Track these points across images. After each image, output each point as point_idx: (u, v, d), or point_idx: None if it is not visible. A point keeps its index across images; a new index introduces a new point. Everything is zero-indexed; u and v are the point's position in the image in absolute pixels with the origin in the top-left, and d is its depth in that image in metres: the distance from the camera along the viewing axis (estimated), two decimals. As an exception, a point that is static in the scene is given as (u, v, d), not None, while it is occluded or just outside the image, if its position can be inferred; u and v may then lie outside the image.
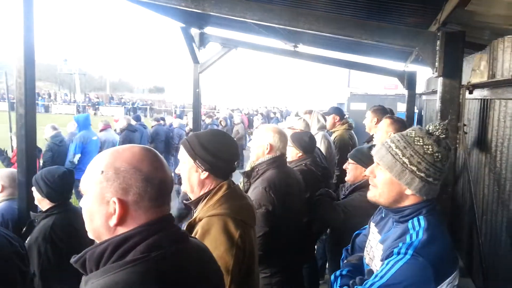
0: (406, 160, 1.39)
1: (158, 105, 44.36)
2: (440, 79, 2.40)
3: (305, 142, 3.24)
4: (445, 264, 1.33)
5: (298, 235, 2.58)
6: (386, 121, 3.45)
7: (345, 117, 5.30)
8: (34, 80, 2.65)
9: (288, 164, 2.78)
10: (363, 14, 3.48)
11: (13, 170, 3.04)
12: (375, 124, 4.06)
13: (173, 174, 1.24)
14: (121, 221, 1.00)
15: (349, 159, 2.74)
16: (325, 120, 4.94)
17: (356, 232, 1.87)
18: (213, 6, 2.43)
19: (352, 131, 5.14)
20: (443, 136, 1.43)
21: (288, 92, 43.42)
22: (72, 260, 1.01)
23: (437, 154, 1.38)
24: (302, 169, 3.09)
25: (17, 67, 2.68)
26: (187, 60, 5.54)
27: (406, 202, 1.44)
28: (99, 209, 1.01)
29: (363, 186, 2.52)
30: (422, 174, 1.38)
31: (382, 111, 4.16)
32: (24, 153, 2.65)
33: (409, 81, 5.60)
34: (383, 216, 1.62)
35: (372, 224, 1.67)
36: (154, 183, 1.02)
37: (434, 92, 4.39)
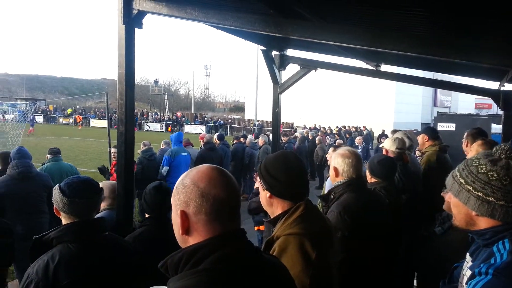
0: (462, 180, 1.46)
1: (237, 123, 45.89)
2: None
3: (374, 165, 3.10)
4: None
5: (386, 265, 2.46)
6: (477, 143, 3.32)
7: (437, 137, 4.88)
8: (134, 102, 2.96)
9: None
10: (452, 33, 3.31)
11: (113, 182, 3.36)
12: (466, 146, 3.80)
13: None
14: (187, 231, 1.13)
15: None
16: (412, 140, 4.67)
17: (455, 265, 1.80)
18: (295, 30, 2.51)
19: (446, 155, 4.74)
20: (506, 157, 1.43)
21: (364, 111, 41.90)
22: (159, 265, 1.14)
23: (491, 173, 1.40)
24: None
25: (119, 90, 3.01)
26: (267, 80, 5.69)
27: (482, 225, 1.44)
28: (175, 219, 1.15)
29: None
30: (479, 193, 1.41)
31: (477, 134, 3.87)
32: (123, 168, 2.93)
33: (505, 101, 5.12)
34: (479, 245, 1.56)
35: (467, 254, 1.63)
36: (209, 198, 1.11)
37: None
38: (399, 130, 4.83)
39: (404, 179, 3.75)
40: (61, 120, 45.85)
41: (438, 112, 12.70)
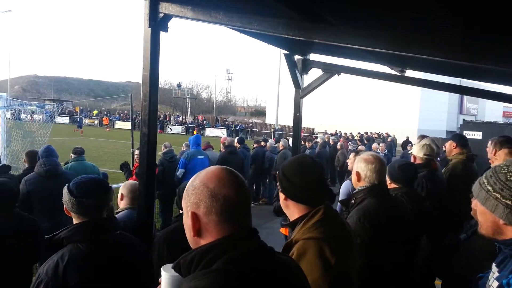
0: (490, 188, 1.43)
1: (258, 127, 45.98)
2: None
3: (394, 170, 3.04)
4: None
5: (405, 272, 2.42)
6: (504, 151, 3.20)
7: (466, 145, 4.72)
8: (157, 104, 3.01)
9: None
10: (481, 38, 3.22)
11: (133, 181, 3.42)
12: (493, 154, 3.68)
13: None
14: (198, 233, 1.13)
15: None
16: (439, 148, 4.56)
17: (479, 275, 1.75)
18: (319, 34, 2.50)
19: (474, 164, 4.59)
20: None
21: (387, 117, 41.25)
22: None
23: None
24: None
25: (143, 91, 3.06)
26: (289, 84, 5.69)
27: (510, 234, 1.40)
28: (186, 221, 1.16)
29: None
30: (507, 201, 1.37)
31: (504, 142, 3.74)
32: (145, 168, 2.97)
33: (536, 108, 4.93)
34: (507, 256, 1.51)
35: (493, 265, 1.58)
36: (219, 198, 1.11)
37: None
38: (426, 137, 4.70)
39: (430, 186, 3.67)
40: (86, 121, 47.02)
41: (464, 119, 12.38)
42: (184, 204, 1.17)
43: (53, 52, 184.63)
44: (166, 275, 1.21)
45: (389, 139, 22.08)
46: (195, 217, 1.13)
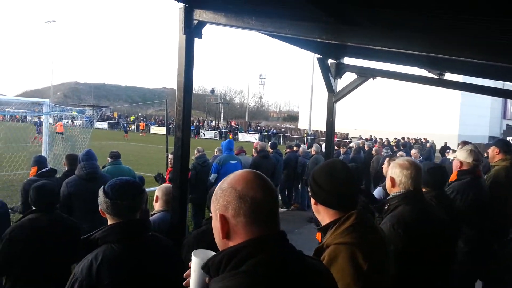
0: None
1: (291, 132, 45.84)
2: None
3: (424, 174, 2.94)
4: None
5: (440, 279, 2.33)
6: None
7: (510, 151, 4.49)
8: (191, 109, 3.08)
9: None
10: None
11: (167, 185, 3.51)
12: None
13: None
14: (227, 235, 1.14)
15: None
16: (481, 154, 4.35)
17: None
18: (353, 37, 2.47)
19: None
20: None
21: (424, 122, 39.90)
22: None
23: None
24: None
25: (178, 97, 3.14)
26: (322, 88, 5.64)
27: None
28: (215, 224, 1.17)
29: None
30: None
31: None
32: (179, 172, 3.04)
33: None
34: None
35: None
36: (247, 200, 1.12)
37: None
38: (469, 143, 4.51)
39: (472, 194, 3.54)
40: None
41: (507, 125, 11.81)
42: (213, 207, 1.19)
43: (93, 59, 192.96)
44: (196, 260, 1.22)
45: (428, 145, 21.31)
46: (223, 219, 1.14)
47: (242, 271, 1.06)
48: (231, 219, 1.14)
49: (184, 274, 1.29)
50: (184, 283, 1.28)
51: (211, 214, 2.69)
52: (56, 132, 13.74)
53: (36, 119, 19.40)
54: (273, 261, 1.08)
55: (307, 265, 1.18)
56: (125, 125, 37.56)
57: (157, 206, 3.40)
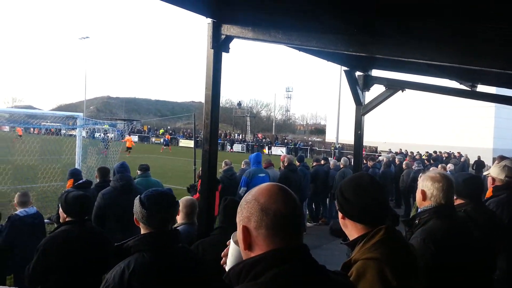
0: None
1: (318, 146, 45.46)
2: None
3: (459, 185, 2.80)
4: None
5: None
6: None
7: None
8: (218, 121, 3.12)
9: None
10: None
11: (188, 197, 3.56)
12: None
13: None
14: (249, 246, 1.15)
15: None
16: None
17: None
18: (381, 49, 2.45)
19: None
20: None
21: (456, 135, 38.57)
22: (224, 276, 1.19)
23: None
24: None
25: (205, 110, 3.20)
26: (349, 101, 5.59)
27: None
28: (239, 235, 1.18)
29: None
30: None
31: None
32: (206, 184, 3.07)
33: None
34: None
35: None
36: (269, 213, 1.13)
37: None
38: (507, 158, 4.35)
39: (506, 211, 3.39)
40: (153, 139, 49.70)
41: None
42: (237, 219, 1.20)
43: (124, 74, 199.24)
44: (235, 244, 1.26)
45: (462, 159, 20.59)
46: (246, 231, 1.15)
47: (261, 282, 1.06)
48: (253, 230, 1.14)
49: (222, 253, 1.35)
50: (221, 262, 1.34)
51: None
52: (127, 148, 13.97)
53: (102, 135, 19.85)
54: (292, 273, 1.07)
55: (329, 279, 1.16)
56: (165, 139, 41.20)
57: (179, 219, 3.44)
